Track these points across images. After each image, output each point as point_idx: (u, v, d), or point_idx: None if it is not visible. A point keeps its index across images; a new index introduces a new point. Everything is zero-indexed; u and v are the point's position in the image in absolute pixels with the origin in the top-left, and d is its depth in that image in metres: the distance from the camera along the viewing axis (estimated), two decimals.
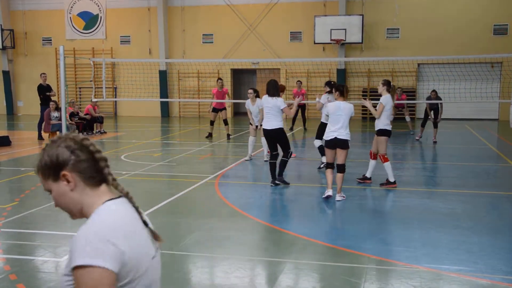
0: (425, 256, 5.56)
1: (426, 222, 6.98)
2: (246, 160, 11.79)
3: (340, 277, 4.99)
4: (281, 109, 8.73)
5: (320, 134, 10.98)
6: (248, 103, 11.70)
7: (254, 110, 11.56)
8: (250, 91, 11.79)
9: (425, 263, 5.32)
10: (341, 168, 8.02)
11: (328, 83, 10.62)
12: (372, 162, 9.37)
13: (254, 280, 5.06)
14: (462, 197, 8.35)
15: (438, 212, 7.48)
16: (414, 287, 4.72)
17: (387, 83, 9.18)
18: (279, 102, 8.69)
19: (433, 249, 5.80)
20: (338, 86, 8.22)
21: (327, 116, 8.23)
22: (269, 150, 9.24)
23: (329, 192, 8.01)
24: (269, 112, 8.78)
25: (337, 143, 7.95)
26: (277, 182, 8.90)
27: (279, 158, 9.09)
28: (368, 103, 9.22)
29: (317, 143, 10.98)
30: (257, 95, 11.69)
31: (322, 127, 10.97)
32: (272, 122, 8.77)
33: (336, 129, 7.91)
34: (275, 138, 8.86)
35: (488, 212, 7.56)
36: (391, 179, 9.03)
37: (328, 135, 8.01)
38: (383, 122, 9.17)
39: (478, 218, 7.14)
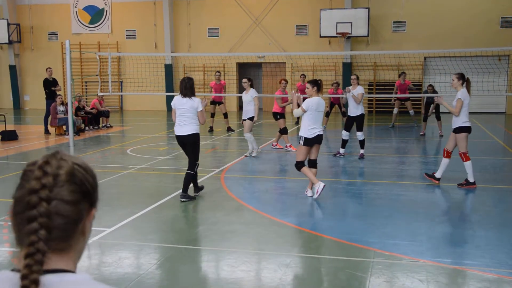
0: (431, 250, 5.55)
1: (432, 216, 6.97)
2: (253, 156, 11.56)
3: (346, 271, 5.00)
4: (198, 112, 7.52)
5: (348, 126, 11.18)
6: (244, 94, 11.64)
7: (246, 99, 11.48)
8: (245, 80, 11.74)
9: (431, 257, 5.31)
10: (315, 164, 8.04)
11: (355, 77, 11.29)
12: (445, 161, 8.68)
13: (260, 274, 5.07)
14: (468, 191, 8.32)
15: (444, 206, 7.46)
16: (420, 281, 4.71)
17: (462, 77, 8.58)
18: (195, 103, 7.50)
19: (439, 243, 5.79)
20: (316, 82, 7.89)
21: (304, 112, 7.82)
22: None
23: (319, 185, 7.74)
24: (184, 114, 7.53)
25: (318, 140, 7.96)
26: (181, 199, 7.60)
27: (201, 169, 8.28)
28: (444, 102, 8.58)
29: (345, 135, 11.35)
30: (252, 84, 11.76)
31: (350, 120, 11.17)
32: (187, 126, 7.53)
33: (317, 126, 7.86)
34: (189, 145, 7.61)
35: (495, 206, 7.53)
36: (471, 179, 8.41)
37: (311, 132, 7.76)
38: (462, 119, 8.50)
39: (485, 212, 7.12)
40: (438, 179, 8.71)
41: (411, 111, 17.63)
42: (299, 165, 7.86)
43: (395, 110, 17.73)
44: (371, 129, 18.08)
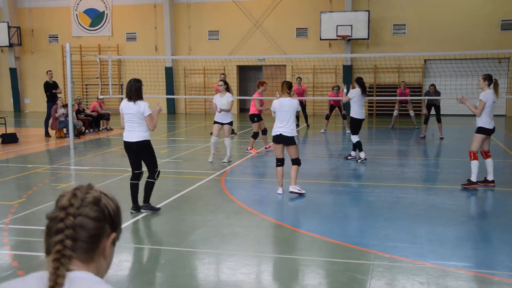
0: (432, 252, 5.55)
1: (433, 219, 6.97)
2: (225, 162, 11.14)
3: (347, 273, 4.99)
4: (145, 117, 6.94)
5: (355, 130, 11.20)
6: (216, 97, 11.12)
7: (222, 102, 10.92)
8: (221, 82, 11.28)
9: (432, 259, 5.31)
10: (295, 161, 8.12)
11: (359, 80, 11.35)
12: (488, 161, 8.76)
13: (260, 277, 5.07)
14: (468, 193, 8.31)
15: (444, 208, 7.46)
16: (421, 283, 4.71)
17: (488, 78, 8.63)
18: (142, 107, 6.90)
19: (439, 246, 5.79)
20: (282, 83, 8.21)
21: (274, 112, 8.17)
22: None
23: (279, 190, 8.19)
24: (131, 120, 6.97)
25: (283, 140, 8.05)
26: (142, 210, 7.18)
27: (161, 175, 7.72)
28: (467, 102, 8.56)
29: (354, 138, 11.24)
30: (228, 87, 11.37)
31: (355, 123, 11.17)
32: (135, 132, 6.99)
33: (282, 126, 7.99)
34: (140, 153, 7.13)
35: (495, 208, 7.53)
36: (474, 179, 8.51)
37: (274, 130, 8.09)
38: (483, 120, 8.55)
39: (485, 215, 7.11)
40: (493, 181, 8.76)
41: (411, 112, 17.69)
42: (276, 163, 8.23)
43: (395, 112, 17.87)
44: (371, 132, 18.08)
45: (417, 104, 21.56)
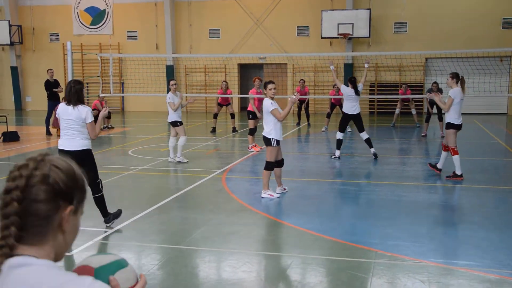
0: (433, 251, 5.54)
1: (434, 217, 6.97)
2: (171, 161, 10.96)
3: (348, 271, 4.99)
4: (87, 124, 6.20)
5: (340, 126, 11.38)
6: (171, 96, 10.88)
7: (176, 101, 10.87)
8: (173, 82, 11.03)
9: (433, 258, 5.31)
10: (265, 165, 7.97)
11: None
12: (444, 154, 9.48)
13: (261, 275, 5.07)
14: (470, 192, 8.31)
15: (445, 206, 7.45)
16: (422, 282, 4.71)
17: (456, 76, 9.08)
18: (83, 113, 6.14)
19: (440, 244, 5.78)
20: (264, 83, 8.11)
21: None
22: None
23: (277, 189, 8.16)
24: (70, 126, 6.16)
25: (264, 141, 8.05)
26: (107, 224, 6.51)
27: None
28: (436, 98, 9.20)
29: (338, 135, 11.42)
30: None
31: (344, 118, 11.36)
32: (75, 140, 6.19)
33: (264, 127, 7.96)
34: (79, 164, 5.97)
35: (496, 207, 7.53)
36: (458, 172, 9.07)
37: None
38: (451, 116, 9.05)
39: (486, 213, 7.11)
40: (440, 170, 9.50)
41: (413, 110, 17.74)
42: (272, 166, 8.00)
43: (397, 110, 17.90)
44: (373, 130, 18.07)
45: (418, 102, 21.55)
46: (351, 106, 11.30)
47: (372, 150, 11.39)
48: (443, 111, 15.17)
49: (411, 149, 13.69)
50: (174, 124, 10.97)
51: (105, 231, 6.27)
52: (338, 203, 7.85)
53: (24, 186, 1.28)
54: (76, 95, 6.12)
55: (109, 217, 6.48)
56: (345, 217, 7.11)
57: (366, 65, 11.77)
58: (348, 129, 16.62)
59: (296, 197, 8.16)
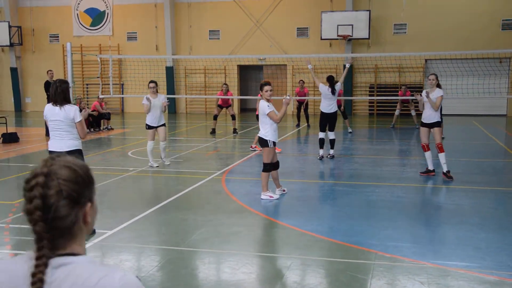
0: (432, 252, 5.55)
1: (433, 218, 6.97)
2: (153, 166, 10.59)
3: (347, 273, 4.99)
4: (76, 123, 6.09)
5: (319, 125, 11.57)
6: (148, 99, 10.42)
7: (156, 104, 10.40)
8: (153, 84, 10.57)
9: (432, 259, 5.31)
10: (263, 166, 8.00)
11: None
12: (428, 154, 9.67)
13: (261, 276, 5.07)
14: (469, 193, 8.32)
15: (445, 208, 7.46)
16: (421, 283, 4.71)
17: (437, 77, 9.56)
18: (71, 112, 6.04)
19: (440, 245, 5.79)
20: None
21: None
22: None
23: (277, 190, 8.18)
24: (59, 127, 6.10)
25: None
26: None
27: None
28: (429, 97, 9.37)
29: (319, 134, 11.57)
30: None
31: (320, 116, 11.54)
32: (66, 141, 6.13)
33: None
34: None
35: (496, 208, 7.53)
36: (445, 169, 9.40)
37: None
38: (439, 114, 9.51)
39: (485, 214, 7.11)
40: (433, 170, 9.71)
41: (413, 112, 17.77)
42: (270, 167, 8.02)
43: (397, 112, 17.93)
44: (372, 131, 18.09)
45: (418, 104, 21.54)
46: (327, 105, 11.37)
47: (331, 151, 11.53)
48: (442, 112, 15.34)
49: (410, 150, 13.69)
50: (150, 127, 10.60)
51: (105, 233, 6.27)
52: (338, 205, 7.85)
53: (42, 207, 1.39)
54: (62, 94, 6.01)
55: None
56: (344, 219, 7.11)
57: (347, 65, 11.68)
58: (349, 130, 16.64)
59: (296, 198, 8.16)
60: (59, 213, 1.39)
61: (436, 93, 9.38)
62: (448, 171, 9.35)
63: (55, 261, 1.39)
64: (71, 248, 1.43)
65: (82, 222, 1.46)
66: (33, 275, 1.35)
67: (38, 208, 1.38)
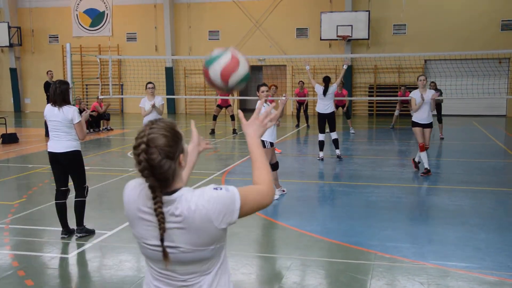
0: (432, 252, 5.55)
1: (433, 219, 6.97)
2: None
3: (347, 273, 4.99)
4: (74, 124, 6.01)
5: (318, 127, 11.53)
6: (144, 101, 10.15)
7: (148, 106, 10.02)
8: (151, 85, 10.18)
9: (432, 259, 5.31)
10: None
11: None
12: (424, 154, 9.77)
13: (261, 277, 5.07)
14: (469, 194, 8.32)
15: (444, 208, 7.46)
16: (421, 283, 4.71)
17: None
18: (70, 113, 5.97)
19: (440, 246, 5.79)
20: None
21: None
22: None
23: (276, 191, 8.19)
24: (57, 128, 6.01)
25: None
26: (76, 234, 6.22)
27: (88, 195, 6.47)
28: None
29: (319, 137, 11.51)
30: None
31: (319, 119, 11.47)
32: (64, 142, 6.02)
33: None
34: (68, 166, 6.11)
35: (495, 209, 7.53)
36: (427, 166, 9.76)
37: None
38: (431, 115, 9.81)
39: (485, 215, 7.11)
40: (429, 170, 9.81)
41: (412, 112, 17.71)
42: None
43: (396, 112, 17.92)
44: (372, 132, 18.09)
45: None
46: (324, 105, 11.35)
47: (338, 151, 11.56)
48: (442, 112, 15.39)
49: (410, 151, 13.68)
50: None
51: (105, 233, 6.26)
52: (337, 205, 7.85)
53: (149, 167, 1.86)
54: (61, 95, 5.97)
55: (82, 228, 6.21)
56: (344, 219, 7.11)
57: (344, 66, 11.71)
58: (352, 131, 16.65)
59: (295, 199, 8.16)
60: (161, 169, 1.87)
61: (429, 93, 9.59)
62: (426, 168, 9.75)
63: (165, 198, 1.89)
64: (174, 186, 1.93)
65: (178, 166, 1.93)
66: (155, 210, 1.87)
67: (146, 168, 1.86)
